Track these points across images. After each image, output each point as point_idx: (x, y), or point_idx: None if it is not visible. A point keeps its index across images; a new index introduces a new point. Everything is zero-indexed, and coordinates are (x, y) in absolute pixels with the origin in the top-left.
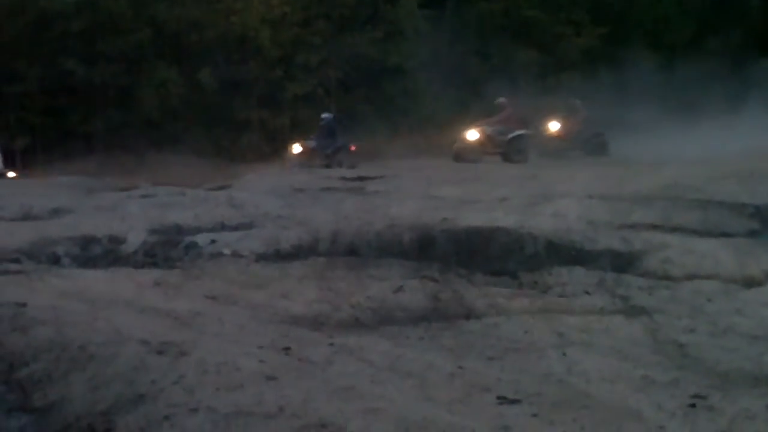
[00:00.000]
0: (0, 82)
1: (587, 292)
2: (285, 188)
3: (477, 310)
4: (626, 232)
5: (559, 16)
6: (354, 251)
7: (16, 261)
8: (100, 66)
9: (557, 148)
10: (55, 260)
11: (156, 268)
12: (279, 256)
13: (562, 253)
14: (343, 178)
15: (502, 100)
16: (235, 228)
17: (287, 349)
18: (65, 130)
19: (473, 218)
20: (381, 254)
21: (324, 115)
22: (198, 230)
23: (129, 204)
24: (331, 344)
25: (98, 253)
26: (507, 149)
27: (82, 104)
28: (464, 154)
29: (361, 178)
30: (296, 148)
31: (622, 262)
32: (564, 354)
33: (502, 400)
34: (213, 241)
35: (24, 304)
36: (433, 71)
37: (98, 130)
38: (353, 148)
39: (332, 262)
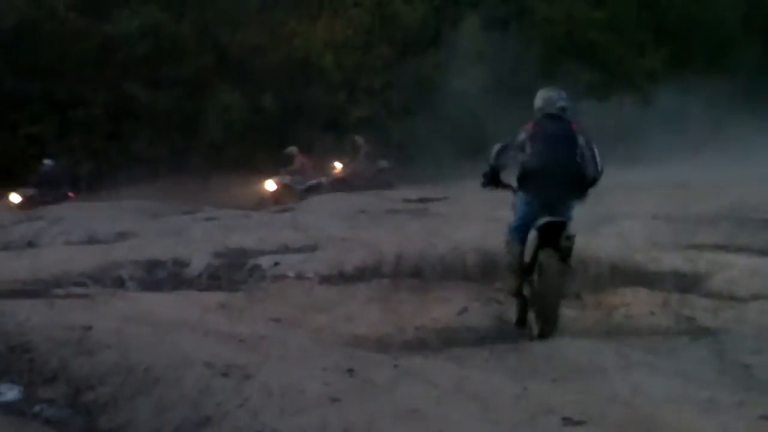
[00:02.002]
0: (65, 106)
1: (652, 313)
2: (348, 210)
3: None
4: (691, 252)
5: (623, 37)
6: (418, 273)
7: (82, 284)
8: (163, 91)
9: (344, 189)
10: (120, 283)
11: (220, 290)
12: (343, 279)
13: (627, 274)
14: (407, 200)
15: (292, 149)
16: (299, 250)
17: (351, 371)
18: (129, 155)
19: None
20: (445, 276)
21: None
22: (262, 253)
23: (193, 227)
24: (396, 366)
25: (163, 277)
26: (305, 198)
27: (146, 129)
28: (264, 204)
29: (424, 200)
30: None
31: (687, 283)
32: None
33: (567, 422)
34: (276, 264)
35: (90, 327)
36: (496, 93)
37: (162, 155)
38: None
39: (396, 284)
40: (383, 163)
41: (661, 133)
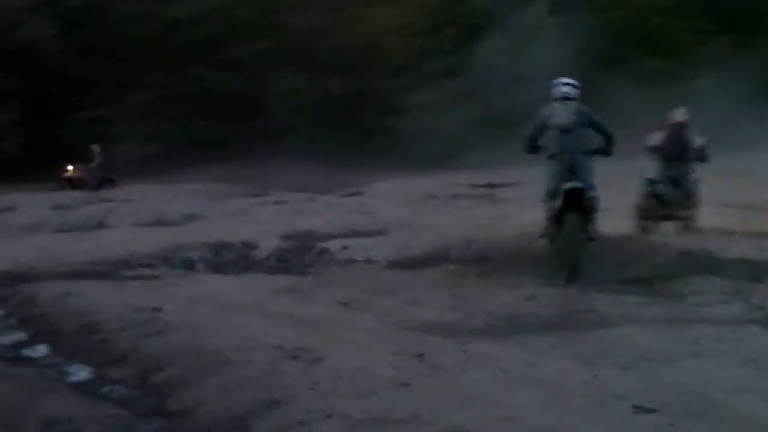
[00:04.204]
0: (127, 89)
1: (722, 302)
2: (416, 195)
3: (610, 319)
4: (761, 240)
5: (686, 23)
6: (485, 258)
7: (151, 266)
8: (227, 73)
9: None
10: (189, 265)
11: (288, 273)
12: (410, 263)
13: (697, 261)
14: (474, 185)
15: (94, 146)
16: (367, 235)
17: (420, 355)
18: (194, 138)
19: (605, 226)
20: (512, 262)
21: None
22: (330, 236)
23: (261, 210)
24: (464, 351)
25: (231, 259)
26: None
27: (210, 111)
28: (63, 187)
29: (491, 185)
30: (69, 172)
31: (758, 272)
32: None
33: (638, 409)
34: (345, 248)
35: (159, 309)
36: (561, 78)
37: (227, 137)
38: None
39: (463, 269)
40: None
41: (728, 119)
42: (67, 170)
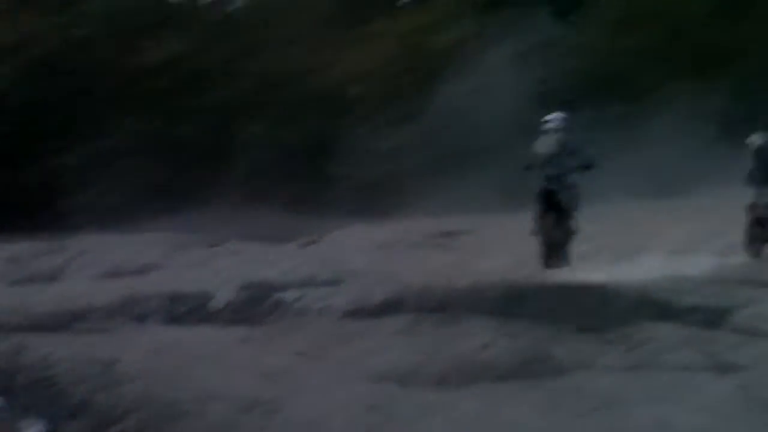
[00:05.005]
0: (89, 138)
1: (678, 349)
2: (374, 243)
3: (565, 367)
4: (716, 287)
5: (649, 67)
6: (442, 307)
7: (105, 318)
8: (189, 122)
9: None
10: (143, 317)
11: (244, 324)
12: (366, 312)
13: (651, 309)
14: (431, 233)
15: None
16: (324, 284)
17: (374, 406)
18: (154, 187)
19: (561, 274)
20: (469, 310)
21: None
22: (286, 286)
23: (219, 260)
24: (420, 402)
25: (186, 310)
26: None
27: (171, 160)
28: None
29: (449, 233)
30: None
31: (712, 318)
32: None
33: None
34: (301, 297)
35: (113, 362)
36: (524, 123)
37: (187, 186)
38: None
39: (420, 319)
40: None
41: (692, 162)
42: None
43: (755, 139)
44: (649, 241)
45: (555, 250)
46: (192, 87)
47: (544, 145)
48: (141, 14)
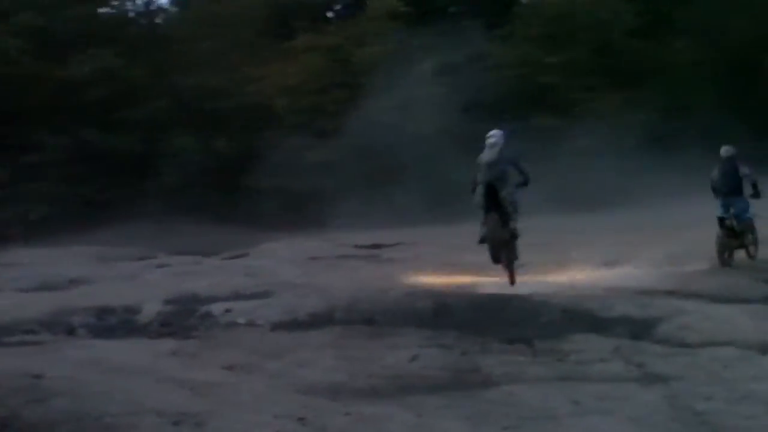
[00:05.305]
0: (18, 151)
1: (603, 360)
2: (302, 256)
3: (494, 378)
4: (643, 298)
5: (575, 81)
6: (370, 319)
7: (33, 332)
8: (118, 135)
9: None
10: (72, 331)
11: (172, 337)
12: (295, 325)
13: (579, 320)
14: (359, 246)
15: None
16: (252, 297)
17: (303, 419)
18: (84, 199)
19: (490, 285)
20: (397, 322)
21: None
22: (214, 299)
23: (146, 273)
24: (348, 414)
25: (114, 323)
26: None
27: (100, 173)
28: None
29: (377, 246)
30: None
31: (639, 329)
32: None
33: None
34: (228, 311)
35: (40, 376)
36: (450, 137)
37: (117, 199)
38: None
39: (349, 331)
40: None
41: (617, 176)
42: None
43: (723, 152)
44: (577, 253)
45: (502, 250)
46: (121, 100)
47: (485, 156)
48: (71, 27)
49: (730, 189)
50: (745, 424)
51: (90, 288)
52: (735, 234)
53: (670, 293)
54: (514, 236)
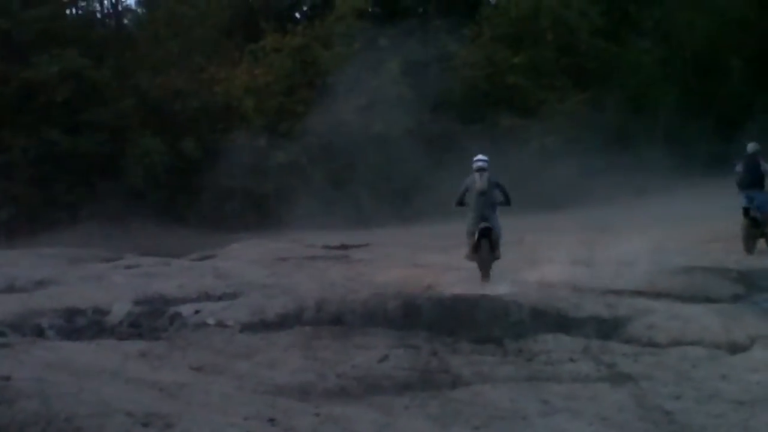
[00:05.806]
0: None
1: (572, 360)
2: (271, 257)
3: (463, 378)
4: (611, 298)
5: (542, 81)
6: (339, 320)
7: (1, 334)
8: (84, 136)
9: None
10: (40, 332)
11: (141, 338)
12: (264, 326)
13: (547, 320)
14: (327, 247)
15: None
16: (220, 298)
17: (273, 420)
18: (50, 200)
19: (458, 286)
20: (366, 323)
21: None
22: (182, 301)
23: (114, 275)
24: (317, 414)
25: (83, 325)
26: None
27: (66, 174)
28: None
29: (345, 247)
30: None
31: (607, 329)
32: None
33: None
34: (197, 312)
35: (8, 378)
36: (417, 137)
37: (83, 200)
38: None
39: (317, 331)
40: None
41: (582, 175)
42: None
43: (749, 148)
44: (545, 252)
45: (486, 267)
46: (87, 101)
47: (476, 183)
48: (35, 28)
49: (752, 182)
50: (713, 423)
51: (58, 289)
52: (757, 224)
53: (639, 293)
54: (497, 257)
